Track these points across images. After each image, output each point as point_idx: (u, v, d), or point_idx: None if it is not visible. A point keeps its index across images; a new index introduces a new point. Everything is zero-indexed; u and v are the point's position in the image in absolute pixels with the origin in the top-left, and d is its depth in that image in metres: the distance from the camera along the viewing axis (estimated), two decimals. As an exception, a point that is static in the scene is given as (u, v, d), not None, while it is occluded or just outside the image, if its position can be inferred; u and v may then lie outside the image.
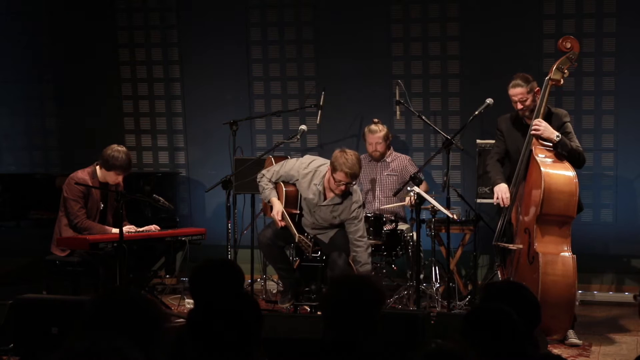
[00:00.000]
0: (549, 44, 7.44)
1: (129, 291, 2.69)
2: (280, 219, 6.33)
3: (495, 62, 7.55)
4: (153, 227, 6.64)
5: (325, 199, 6.37)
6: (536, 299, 3.35)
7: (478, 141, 7.24)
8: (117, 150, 6.44)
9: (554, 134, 5.91)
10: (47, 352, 2.66)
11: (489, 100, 6.39)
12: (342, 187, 6.24)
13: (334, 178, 6.23)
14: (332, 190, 6.33)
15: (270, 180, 6.49)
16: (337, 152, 6.26)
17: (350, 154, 6.20)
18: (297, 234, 6.25)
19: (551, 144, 5.92)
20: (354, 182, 6.32)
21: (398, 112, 7.42)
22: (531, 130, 5.95)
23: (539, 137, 5.94)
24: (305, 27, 8.07)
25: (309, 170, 6.44)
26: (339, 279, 3.23)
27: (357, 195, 6.41)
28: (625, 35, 7.37)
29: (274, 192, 6.45)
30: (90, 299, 2.68)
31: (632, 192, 7.50)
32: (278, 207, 6.37)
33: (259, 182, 6.53)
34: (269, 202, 6.47)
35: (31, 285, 6.71)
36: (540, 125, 5.93)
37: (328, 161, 6.36)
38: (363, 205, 6.47)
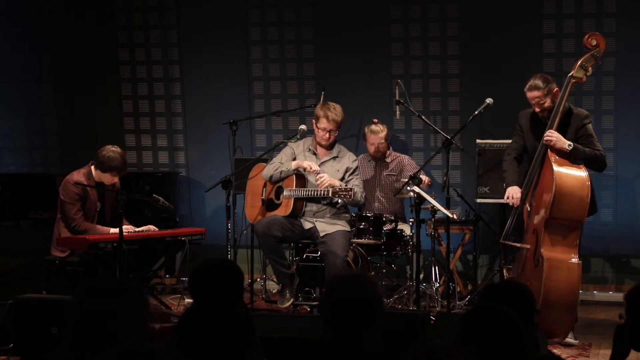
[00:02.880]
0: (548, 44, 7.44)
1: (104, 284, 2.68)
2: (317, 167, 6.50)
3: (495, 62, 7.55)
4: (152, 228, 6.64)
5: (320, 157, 6.66)
6: (530, 291, 3.33)
7: (478, 141, 7.24)
8: (112, 151, 6.42)
9: (566, 144, 5.83)
10: (47, 352, 2.66)
11: (488, 100, 6.38)
12: (327, 136, 6.62)
13: (318, 128, 6.62)
14: (320, 145, 6.68)
15: (280, 163, 6.68)
16: (319, 104, 6.80)
17: (332, 104, 6.67)
18: (330, 189, 6.36)
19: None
20: (337, 130, 6.64)
21: (398, 112, 7.42)
22: (543, 141, 5.91)
23: (552, 148, 5.90)
24: (305, 27, 8.08)
25: (300, 142, 6.77)
26: (336, 278, 3.22)
27: (350, 153, 6.79)
28: (625, 35, 7.37)
29: (288, 163, 6.62)
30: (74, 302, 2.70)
31: (631, 192, 7.50)
32: (305, 162, 6.56)
33: (273, 169, 6.63)
34: (292, 172, 6.59)
35: (31, 285, 6.70)
36: (553, 136, 5.86)
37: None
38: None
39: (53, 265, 6.45)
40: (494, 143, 7.13)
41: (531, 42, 7.54)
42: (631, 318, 3.30)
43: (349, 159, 6.70)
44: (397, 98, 7.32)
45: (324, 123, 6.58)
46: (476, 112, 6.36)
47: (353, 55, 7.91)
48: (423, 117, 7.07)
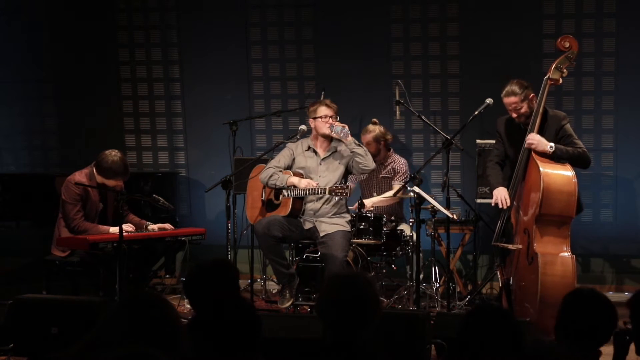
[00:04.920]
0: (549, 44, 7.44)
1: (149, 295, 2.68)
2: (315, 184, 6.48)
3: (495, 62, 7.55)
4: (167, 226, 6.66)
5: (320, 155, 6.63)
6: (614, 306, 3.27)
7: (478, 141, 7.25)
8: (113, 156, 6.33)
9: (548, 146, 5.90)
10: (47, 352, 2.66)
11: (489, 100, 6.39)
12: (330, 121, 6.53)
13: (319, 118, 6.55)
14: (322, 136, 6.59)
15: (277, 167, 6.62)
16: (310, 102, 6.81)
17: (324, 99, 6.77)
18: (327, 187, 6.38)
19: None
20: (336, 117, 6.56)
21: (398, 112, 7.42)
22: (525, 145, 5.95)
23: (534, 151, 5.93)
24: (305, 27, 8.08)
25: (298, 142, 6.73)
26: (332, 278, 3.22)
27: None
28: (625, 35, 7.38)
29: (285, 175, 6.58)
30: (112, 305, 2.68)
31: (631, 192, 7.51)
32: (302, 180, 6.52)
33: (271, 177, 6.59)
34: (286, 186, 6.57)
35: (31, 285, 6.70)
36: (534, 140, 5.92)
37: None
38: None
39: (53, 265, 6.44)
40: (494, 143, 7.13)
41: (531, 42, 7.55)
42: (637, 325, 3.26)
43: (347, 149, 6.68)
44: (397, 98, 7.32)
45: (324, 110, 6.55)
46: (476, 112, 6.37)
47: (353, 55, 7.91)
48: (423, 117, 7.06)
